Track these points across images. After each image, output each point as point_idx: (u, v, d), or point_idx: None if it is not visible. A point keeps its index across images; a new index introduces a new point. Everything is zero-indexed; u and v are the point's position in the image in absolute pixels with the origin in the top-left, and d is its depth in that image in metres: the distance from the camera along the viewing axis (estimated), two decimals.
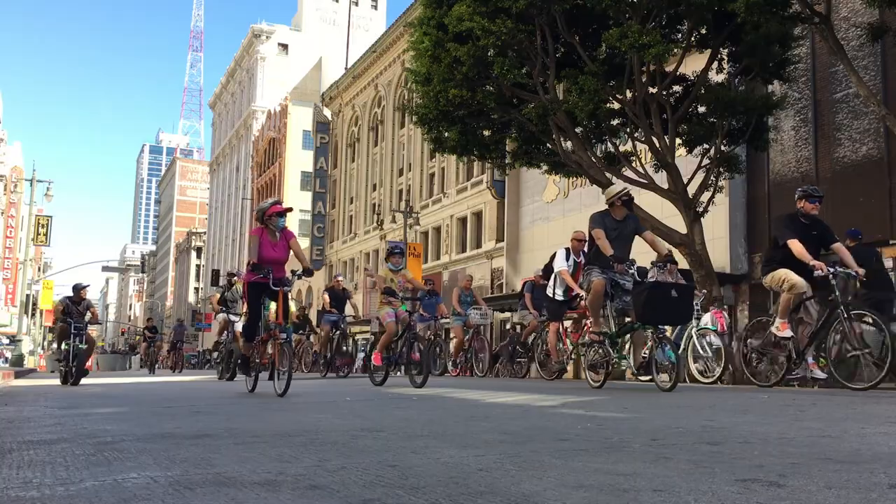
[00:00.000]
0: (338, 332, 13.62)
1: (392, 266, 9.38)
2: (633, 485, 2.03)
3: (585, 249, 9.69)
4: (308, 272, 7.28)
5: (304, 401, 6.41)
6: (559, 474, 2.22)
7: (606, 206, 7.61)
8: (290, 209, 7.83)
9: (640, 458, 2.52)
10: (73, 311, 12.28)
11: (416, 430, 3.64)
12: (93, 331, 22.18)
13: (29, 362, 27.70)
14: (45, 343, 54.18)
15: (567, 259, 10.27)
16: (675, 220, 15.18)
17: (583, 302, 9.14)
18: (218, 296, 13.55)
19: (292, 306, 18.20)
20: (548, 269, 10.84)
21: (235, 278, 13.41)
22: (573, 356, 10.48)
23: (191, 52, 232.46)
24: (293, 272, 7.28)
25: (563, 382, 10.23)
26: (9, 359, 29.39)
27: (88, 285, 12.95)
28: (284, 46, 77.50)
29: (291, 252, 7.54)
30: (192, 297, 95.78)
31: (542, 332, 11.72)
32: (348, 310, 14.25)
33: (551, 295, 10.42)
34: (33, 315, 46.23)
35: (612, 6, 13.35)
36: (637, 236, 7.49)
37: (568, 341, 10.41)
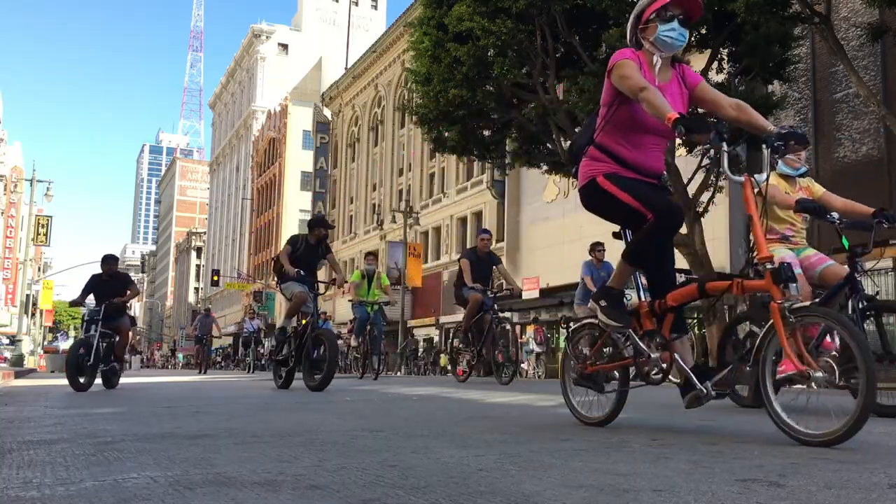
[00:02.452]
0: (492, 317, 9.31)
1: (787, 168, 5.22)
2: (633, 485, 2.03)
3: None
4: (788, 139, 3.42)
5: (304, 401, 6.41)
6: (559, 474, 2.22)
7: None
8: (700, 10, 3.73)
9: (640, 458, 2.52)
10: (103, 291, 9.20)
11: (416, 430, 3.64)
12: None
13: (29, 362, 27.70)
14: (45, 343, 54.17)
15: None
16: None
17: None
18: (288, 250, 8.32)
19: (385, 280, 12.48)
20: None
21: (321, 230, 8.55)
22: None
23: (191, 52, 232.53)
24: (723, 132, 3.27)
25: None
26: (9, 359, 29.40)
27: (117, 257, 9.94)
28: (284, 46, 77.53)
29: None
30: (192, 297, 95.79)
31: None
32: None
33: None
34: (33, 315, 46.25)
35: (612, 6, 13.36)
36: None
37: None
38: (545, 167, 17.44)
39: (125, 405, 6.12)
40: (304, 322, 8.11)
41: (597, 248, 10.75)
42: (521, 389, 7.60)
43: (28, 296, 34.79)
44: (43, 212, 40.39)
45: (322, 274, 10.62)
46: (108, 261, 9.67)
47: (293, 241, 8.45)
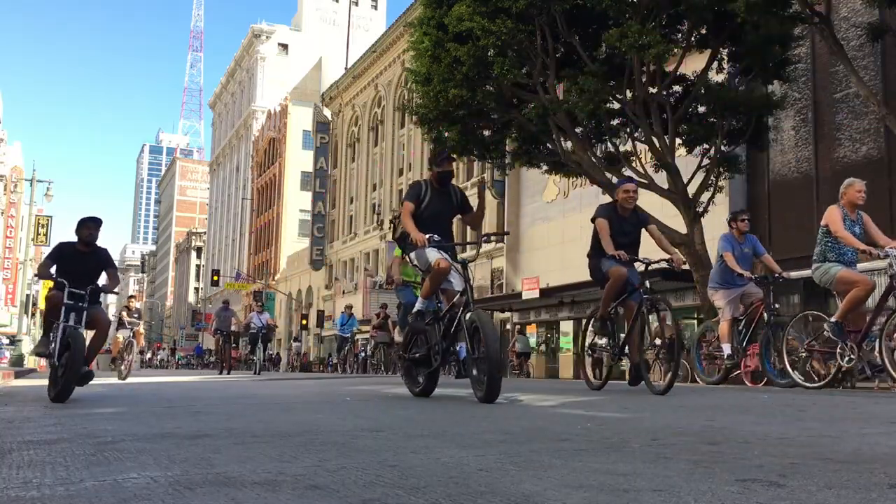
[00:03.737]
0: (641, 300, 6.68)
1: None
2: (634, 485, 2.03)
3: None
4: None
5: (304, 401, 6.42)
6: (559, 474, 2.22)
7: None
8: None
9: (640, 458, 2.52)
10: (76, 267, 6.74)
11: (416, 430, 3.64)
12: (134, 323, 14.38)
13: (29, 362, 27.69)
14: None
15: None
16: (675, 220, 15.18)
17: None
18: (410, 208, 5.95)
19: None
20: None
21: (439, 168, 6.14)
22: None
23: (191, 52, 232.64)
24: None
25: (562, 383, 10.10)
26: (9, 358, 29.40)
27: (100, 220, 7.08)
28: (284, 46, 77.58)
29: None
30: (192, 297, 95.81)
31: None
32: (650, 248, 7.06)
33: None
34: (33, 315, 46.26)
35: (612, 6, 13.36)
36: None
37: None
38: (545, 167, 17.43)
39: (125, 405, 6.12)
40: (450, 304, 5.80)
41: (739, 216, 8.59)
42: (522, 389, 7.58)
43: (28, 296, 34.79)
44: (43, 212, 40.35)
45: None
46: (89, 224, 6.93)
47: (414, 192, 6.07)
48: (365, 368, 21.63)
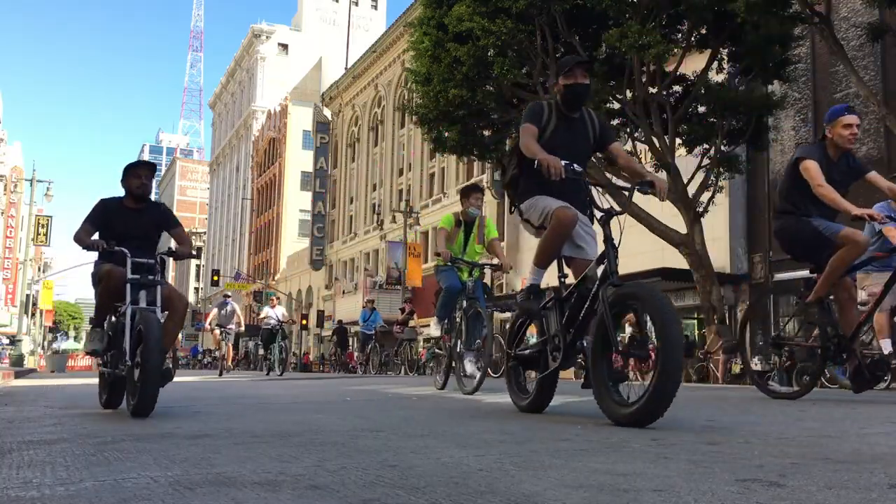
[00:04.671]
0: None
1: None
2: (633, 485, 2.03)
3: None
4: None
5: (304, 401, 6.41)
6: (559, 474, 2.22)
7: None
8: None
9: (640, 458, 2.52)
10: (128, 230, 4.94)
11: (416, 430, 3.64)
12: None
13: (29, 362, 27.71)
14: (46, 343, 54.06)
15: None
16: (675, 220, 15.19)
17: None
18: (532, 130, 4.03)
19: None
20: None
21: (570, 77, 4.09)
22: None
23: (191, 52, 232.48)
24: None
25: (562, 383, 10.06)
26: (9, 357, 29.42)
27: (154, 165, 5.35)
28: (284, 46, 77.60)
29: None
30: (192, 297, 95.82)
31: None
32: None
33: None
34: (33, 315, 46.25)
35: (612, 6, 13.37)
36: None
37: None
38: None
39: (124, 404, 6.12)
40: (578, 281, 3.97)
41: None
42: None
43: (28, 296, 34.82)
44: (43, 212, 40.36)
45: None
46: (140, 171, 5.08)
47: (535, 114, 4.12)
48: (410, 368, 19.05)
